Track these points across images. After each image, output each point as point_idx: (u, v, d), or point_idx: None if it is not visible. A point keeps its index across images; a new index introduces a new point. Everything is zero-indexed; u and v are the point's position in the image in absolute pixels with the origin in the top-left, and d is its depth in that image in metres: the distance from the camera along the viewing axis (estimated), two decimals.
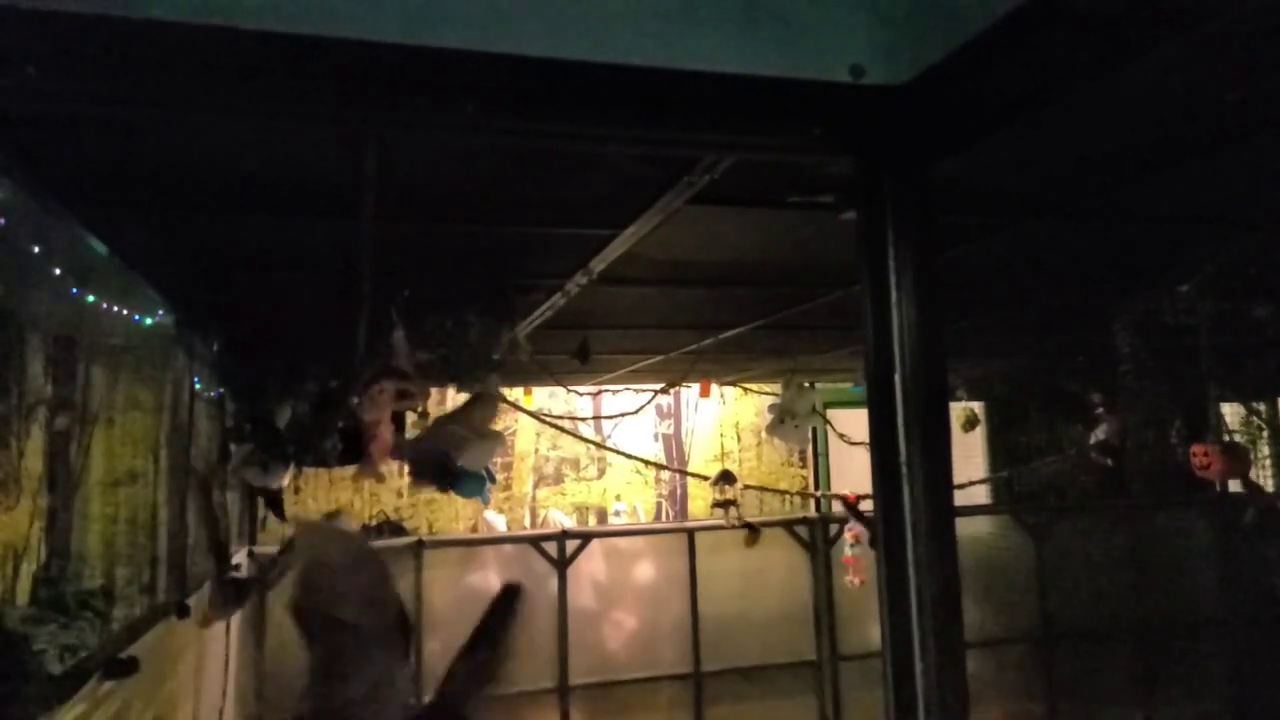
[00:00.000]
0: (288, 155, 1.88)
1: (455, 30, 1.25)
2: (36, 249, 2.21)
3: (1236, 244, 2.91)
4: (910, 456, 1.51)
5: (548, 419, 6.29)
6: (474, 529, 7.71)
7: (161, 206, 2.17)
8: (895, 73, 1.50)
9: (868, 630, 6.51)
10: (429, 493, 7.72)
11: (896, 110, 1.50)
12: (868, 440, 1.61)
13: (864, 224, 1.59)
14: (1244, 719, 6.05)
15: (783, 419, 5.31)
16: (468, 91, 1.28)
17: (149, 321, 3.23)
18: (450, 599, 5.99)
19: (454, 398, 7.63)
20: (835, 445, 7.30)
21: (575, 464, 8.45)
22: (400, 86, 1.25)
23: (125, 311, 3.07)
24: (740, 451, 8.70)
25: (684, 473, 8.19)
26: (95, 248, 2.36)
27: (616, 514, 8.38)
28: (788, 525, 6.93)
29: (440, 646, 5.88)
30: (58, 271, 2.40)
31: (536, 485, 8.32)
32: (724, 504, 5.94)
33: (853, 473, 6.90)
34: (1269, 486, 6.30)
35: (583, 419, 7.50)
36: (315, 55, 1.19)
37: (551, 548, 6.26)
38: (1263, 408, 5.91)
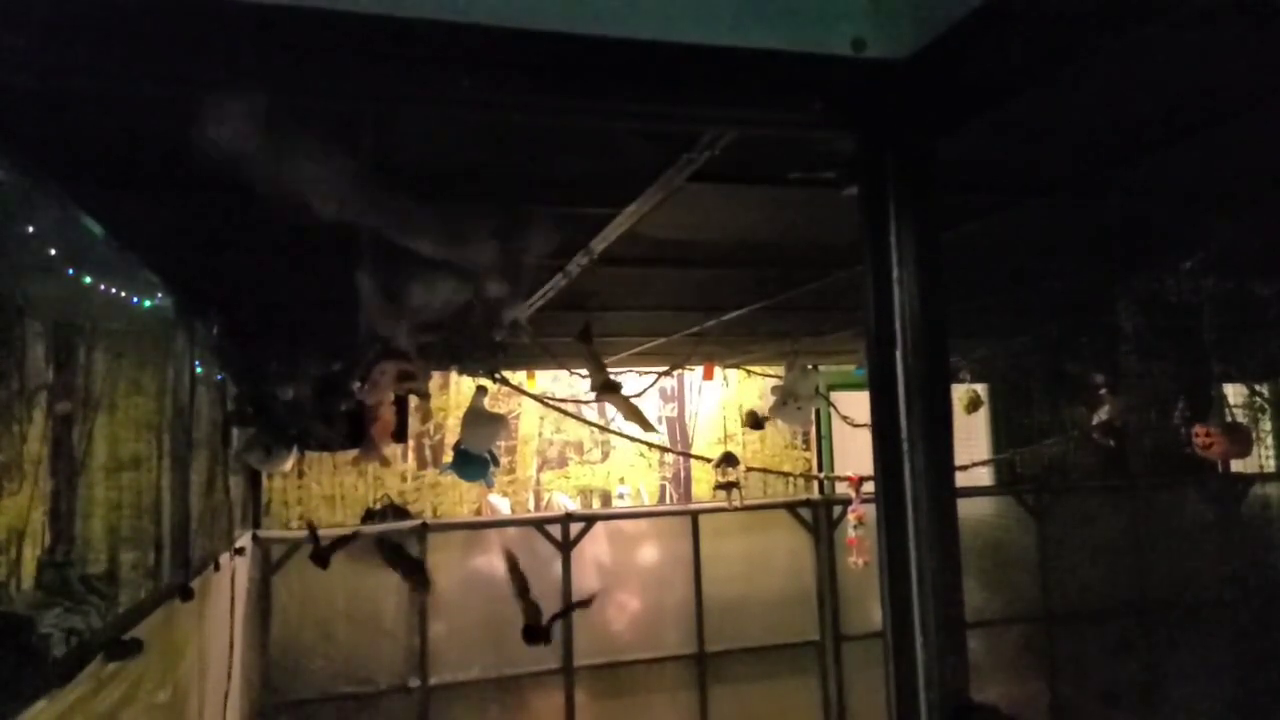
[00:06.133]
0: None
1: (449, 2, 1.23)
2: (31, 230, 2.19)
3: (1239, 221, 2.88)
4: (911, 434, 1.50)
5: (551, 402, 6.28)
6: (478, 512, 7.72)
7: (157, 186, 2.16)
8: (897, 46, 1.48)
9: (870, 611, 6.53)
10: (433, 476, 7.74)
11: (898, 83, 1.49)
12: (870, 422, 1.60)
13: (865, 200, 1.58)
14: (1244, 697, 6.06)
15: (786, 401, 5.29)
16: (463, 65, 1.27)
17: (148, 304, 3.23)
18: (455, 582, 6.01)
19: (457, 381, 7.63)
20: (838, 427, 7.30)
21: (579, 447, 8.44)
22: (394, 60, 1.23)
23: (124, 294, 3.06)
24: (744, 434, 8.70)
25: (687, 455, 8.19)
26: (92, 229, 2.35)
27: (620, 497, 8.39)
28: (791, 507, 6.94)
29: (445, 628, 5.92)
30: (53, 253, 2.38)
31: (540, 468, 8.32)
32: (727, 486, 5.94)
33: (856, 455, 6.90)
34: (1270, 465, 6.29)
35: (586, 402, 7.50)
36: (308, 28, 1.17)
37: (556, 530, 6.27)
38: (1265, 388, 5.89)
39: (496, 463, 5.36)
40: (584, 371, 7.08)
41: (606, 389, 3.94)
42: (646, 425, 4.27)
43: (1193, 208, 2.80)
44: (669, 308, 4.19)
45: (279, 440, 4.10)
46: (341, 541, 4.49)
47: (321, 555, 4.27)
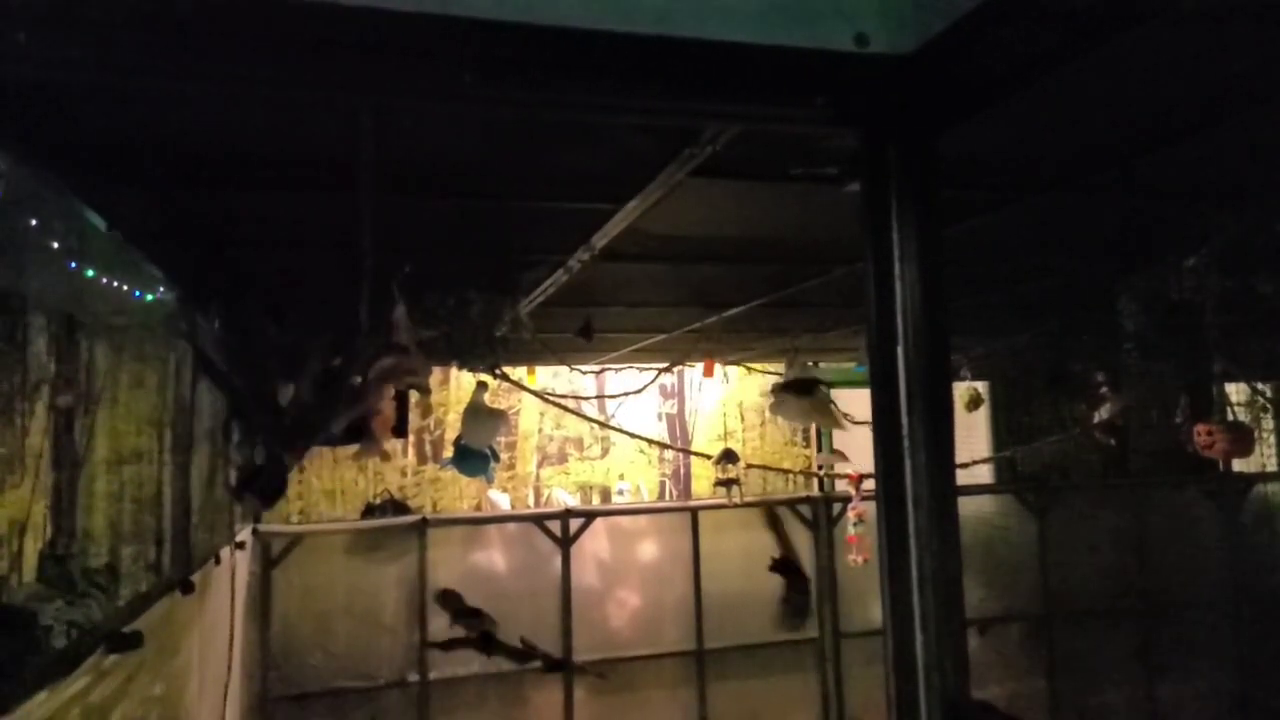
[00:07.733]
0: (286, 127, 1.87)
1: None
2: (34, 222, 2.19)
3: (1243, 217, 2.88)
4: (912, 431, 1.50)
5: (551, 398, 6.28)
6: (478, 508, 7.72)
7: (159, 180, 2.16)
8: (900, 41, 1.48)
9: (870, 608, 6.53)
10: (433, 471, 7.74)
11: (901, 79, 1.48)
12: (871, 419, 1.59)
13: (867, 196, 1.57)
14: (1244, 695, 6.07)
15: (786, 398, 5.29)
16: (464, 60, 1.26)
17: (149, 298, 3.22)
18: (454, 577, 6.02)
19: (457, 377, 7.62)
20: None
21: (579, 443, 8.44)
22: (395, 55, 1.23)
23: (126, 288, 3.06)
24: (744, 431, 8.69)
25: (687, 451, 8.18)
26: (93, 222, 2.35)
27: (620, 493, 8.39)
28: (791, 504, 6.94)
29: (443, 625, 5.93)
30: (55, 246, 2.38)
31: (540, 464, 8.31)
32: (727, 483, 5.94)
33: (856, 452, 6.89)
34: (1271, 464, 6.29)
35: (586, 398, 7.50)
36: (308, 22, 1.17)
37: (555, 526, 6.28)
38: (1267, 387, 5.88)
39: (497, 458, 5.36)
40: (584, 367, 7.09)
41: (790, 389, 4.12)
42: (836, 423, 4.47)
43: (1196, 204, 2.80)
44: (670, 304, 4.19)
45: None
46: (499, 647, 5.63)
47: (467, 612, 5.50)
